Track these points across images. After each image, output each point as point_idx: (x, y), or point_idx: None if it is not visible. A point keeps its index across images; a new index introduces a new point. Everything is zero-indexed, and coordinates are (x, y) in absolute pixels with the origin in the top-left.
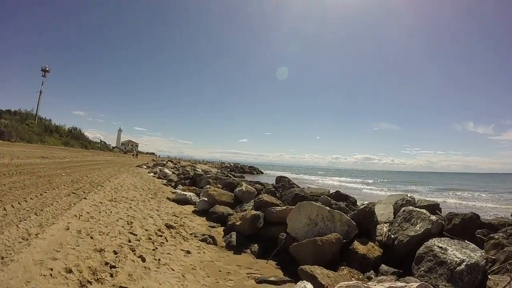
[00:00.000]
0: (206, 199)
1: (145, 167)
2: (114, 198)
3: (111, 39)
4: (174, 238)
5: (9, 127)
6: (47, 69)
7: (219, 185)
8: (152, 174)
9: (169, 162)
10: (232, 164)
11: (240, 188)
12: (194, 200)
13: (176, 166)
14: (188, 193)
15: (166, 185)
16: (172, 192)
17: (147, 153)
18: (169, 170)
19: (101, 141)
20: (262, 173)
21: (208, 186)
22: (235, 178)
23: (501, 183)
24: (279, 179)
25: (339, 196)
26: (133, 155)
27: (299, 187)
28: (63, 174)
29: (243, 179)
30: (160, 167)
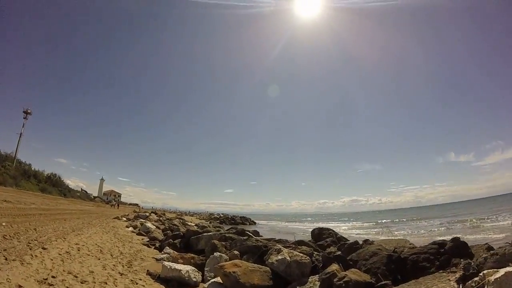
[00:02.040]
0: (220, 281)
1: (124, 219)
2: (52, 276)
3: (101, 87)
4: None
5: None
6: (28, 111)
7: (235, 252)
8: (131, 228)
9: (152, 214)
10: (222, 215)
11: (280, 258)
12: (195, 280)
13: (161, 219)
14: (183, 266)
15: (148, 245)
16: (157, 260)
17: (130, 204)
18: (152, 224)
19: (82, 189)
20: (254, 223)
21: (217, 254)
22: (261, 240)
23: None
24: (319, 231)
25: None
26: (112, 205)
27: (348, 240)
28: (3, 224)
29: (275, 239)
30: (141, 219)
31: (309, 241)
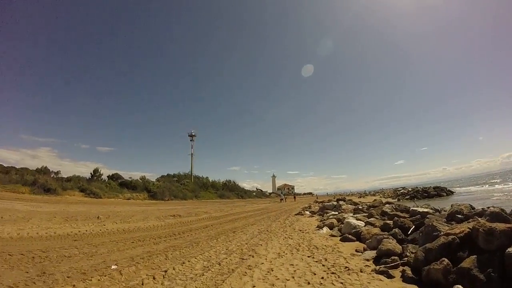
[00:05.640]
0: None
1: (308, 213)
2: None
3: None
4: None
5: (162, 188)
6: (193, 134)
7: None
8: (326, 229)
9: (341, 202)
10: (411, 189)
11: None
12: None
13: (359, 207)
14: None
15: (385, 271)
16: None
17: (304, 193)
18: (357, 219)
19: (257, 189)
20: (452, 193)
21: None
22: None
23: None
24: None
25: None
26: (281, 199)
27: None
28: (113, 266)
29: None
30: (332, 211)
31: None
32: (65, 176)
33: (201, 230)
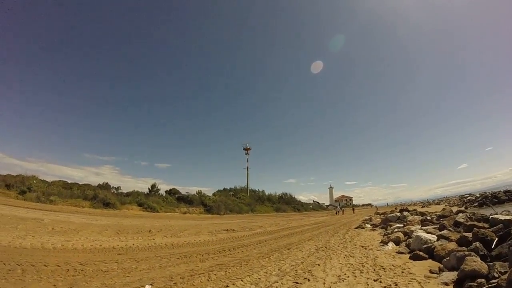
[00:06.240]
0: None
1: (369, 226)
2: None
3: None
4: None
5: (218, 202)
6: (248, 147)
7: None
8: (391, 245)
9: (405, 212)
10: (479, 195)
11: None
12: None
13: (428, 217)
14: None
15: None
16: None
17: (362, 205)
18: (426, 232)
19: (314, 201)
20: None
21: None
22: None
23: None
24: None
25: None
26: (337, 212)
27: None
28: (147, 286)
29: None
30: (396, 224)
31: None
32: (125, 192)
33: (253, 246)
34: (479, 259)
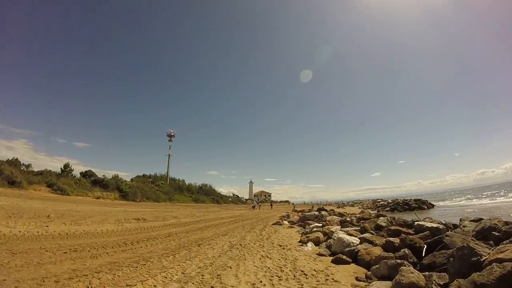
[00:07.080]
0: None
1: (287, 223)
2: None
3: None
4: None
5: (135, 188)
6: (172, 133)
7: None
8: (310, 245)
9: (323, 212)
10: (391, 201)
11: None
12: None
13: (347, 219)
14: None
15: None
16: None
17: (280, 201)
18: (348, 234)
19: (233, 194)
20: (433, 206)
21: None
22: None
23: None
24: None
25: None
26: (253, 206)
27: None
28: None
29: None
30: (314, 223)
31: None
32: (36, 170)
33: (161, 239)
34: (415, 269)
